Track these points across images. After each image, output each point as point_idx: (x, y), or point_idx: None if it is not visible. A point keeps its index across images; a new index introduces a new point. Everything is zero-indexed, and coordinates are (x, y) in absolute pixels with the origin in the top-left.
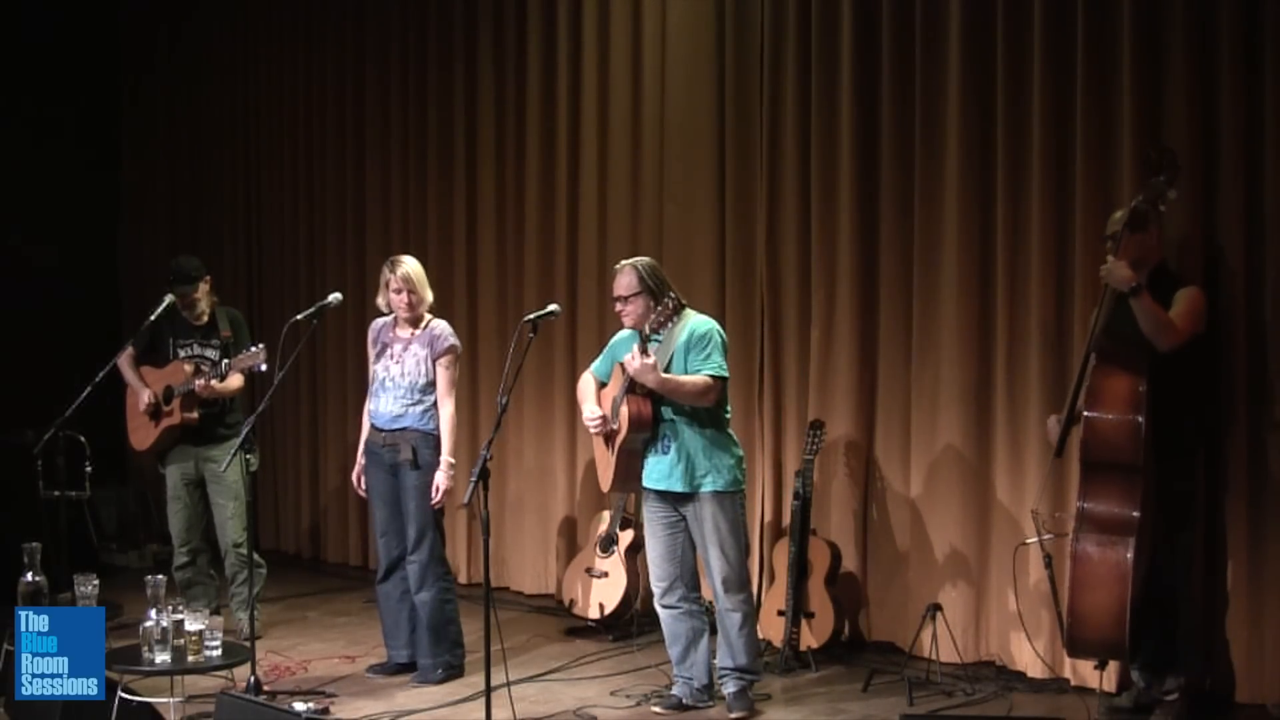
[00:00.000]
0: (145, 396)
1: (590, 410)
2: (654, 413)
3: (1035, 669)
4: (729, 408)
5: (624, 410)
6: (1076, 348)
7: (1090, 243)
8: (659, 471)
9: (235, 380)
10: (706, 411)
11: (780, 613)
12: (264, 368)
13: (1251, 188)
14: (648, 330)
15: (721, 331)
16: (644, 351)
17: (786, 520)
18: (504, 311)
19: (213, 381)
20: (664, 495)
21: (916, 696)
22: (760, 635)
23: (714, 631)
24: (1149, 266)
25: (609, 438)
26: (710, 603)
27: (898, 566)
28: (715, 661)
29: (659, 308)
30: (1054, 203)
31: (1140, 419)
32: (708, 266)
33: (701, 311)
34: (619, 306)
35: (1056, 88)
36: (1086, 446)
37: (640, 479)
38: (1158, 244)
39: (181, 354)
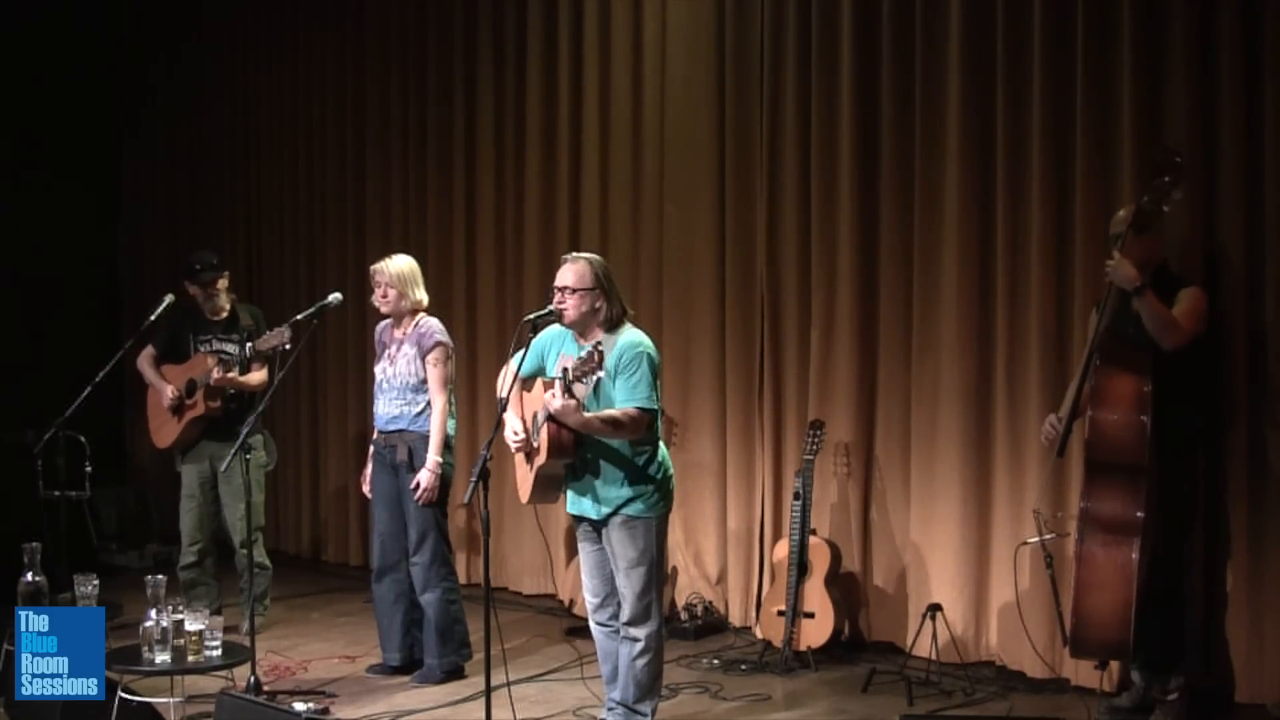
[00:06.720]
0: (169, 392)
1: (514, 426)
2: (576, 439)
3: (1035, 669)
4: (659, 430)
5: (544, 434)
6: (1076, 348)
7: (1090, 243)
8: (574, 494)
9: (257, 374)
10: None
11: (780, 613)
12: (289, 346)
13: (1251, 188)
14: (570, 375)
15: (654, 353)
16: (567, 393)
17: (786, 520)
18: (504, 311)
19: (230, 373)
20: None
21: (916, 696)
22: (760, 635)
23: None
24: (1153, 267)
25: (529, 454)
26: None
27: (898, 566)
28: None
29: (603, 318)
30: (1054, 203)
31: (1145, 419)
32: (708, 266)
33: (702, 312)
34: (560, 297)
35: (1057, 88)
36: (1091, 446)
37: (559, 493)
38: (1161, 244)
39: (202, 349)
